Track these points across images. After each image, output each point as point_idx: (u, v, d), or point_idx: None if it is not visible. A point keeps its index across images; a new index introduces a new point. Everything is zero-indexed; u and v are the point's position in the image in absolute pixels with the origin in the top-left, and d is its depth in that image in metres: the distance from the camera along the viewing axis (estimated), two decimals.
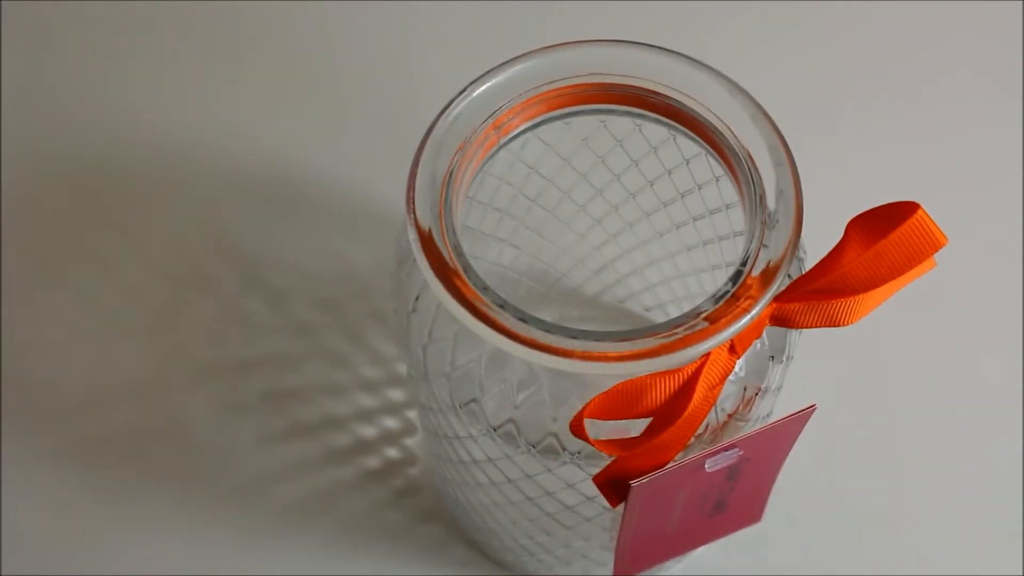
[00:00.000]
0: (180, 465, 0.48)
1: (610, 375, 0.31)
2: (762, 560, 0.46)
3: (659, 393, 0.31)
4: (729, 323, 0.31)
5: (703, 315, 0.32)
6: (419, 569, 0.46)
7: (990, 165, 0.54)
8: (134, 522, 0.47)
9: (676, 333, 0.31)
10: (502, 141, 0.36)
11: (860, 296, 0.32)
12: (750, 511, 0.39)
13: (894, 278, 0.32)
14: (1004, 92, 0.56)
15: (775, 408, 0.38)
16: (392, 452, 0.48)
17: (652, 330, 0.31)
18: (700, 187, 0.39)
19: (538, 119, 0.36)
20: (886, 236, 0.31)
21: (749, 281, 0.32)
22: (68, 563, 0.46)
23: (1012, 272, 0.51)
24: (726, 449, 0.34)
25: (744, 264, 0.33)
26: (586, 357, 0.31)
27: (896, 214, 0.31)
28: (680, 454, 0.33)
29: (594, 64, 0.36)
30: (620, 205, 0.42)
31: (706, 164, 0.37)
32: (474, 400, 0.35)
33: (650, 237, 0.43)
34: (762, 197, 0.34)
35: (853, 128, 0.55)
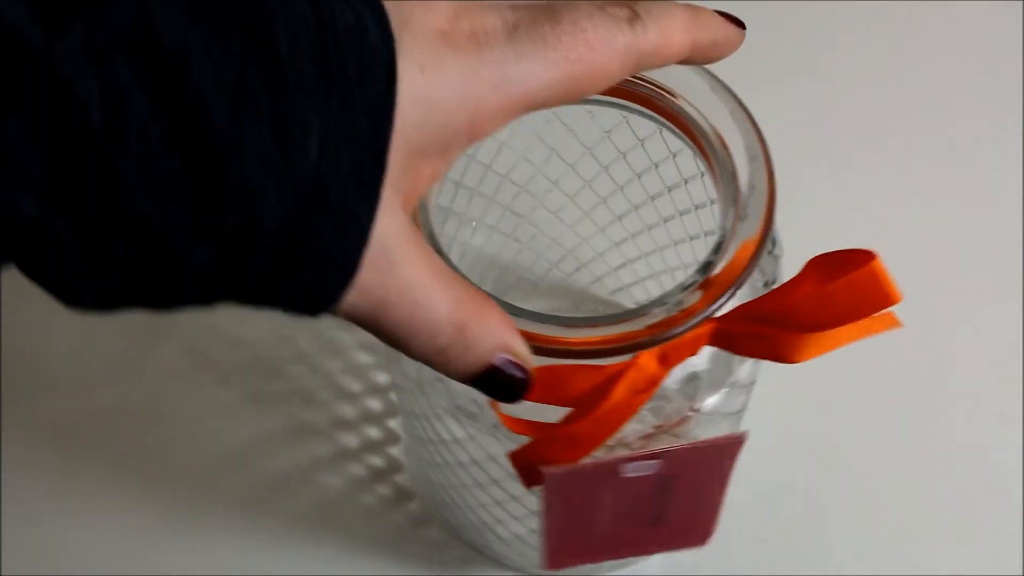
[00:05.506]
0: (173, 471, 0.48)
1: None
2: (761, 560, 0.46)
3: (579, 383, 0.31)
4: (661, 330, 0.30)
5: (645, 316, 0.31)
6: (419, 569, 0.46)
7: (990, 165, 0.54)
8: (132, 523, 0.47)
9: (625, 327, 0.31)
10: None
11: (806, 336, 0.31)
12: (696, 531, 0.39)
13: (841, 324, 0.30)
14: (1004, 92, 0.55)
15: (741, 427, 0.38)
16: (393, 452, 0.48)
17: (599, 320, 0.31)
18: (687, 181, 0.39)
19: None
20: (838, 279, 0.30)
21: (706, 282, 0.31)
22: (68, 563, 0.46)
23: (1012, 272, 0.51)
24: (646, 458, 0.33)
25: (705, 268, 0.32)
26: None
27: (853, 260, 0.30)
28: (601, 455, 0.33)
29: None
30: (608, 197, 0.42)
31: (691, 159, 0.37)
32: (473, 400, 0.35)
33: (638, 229, 0.43)
34: (737, 192, 0.33)
35: (854, 130, 0.55)
